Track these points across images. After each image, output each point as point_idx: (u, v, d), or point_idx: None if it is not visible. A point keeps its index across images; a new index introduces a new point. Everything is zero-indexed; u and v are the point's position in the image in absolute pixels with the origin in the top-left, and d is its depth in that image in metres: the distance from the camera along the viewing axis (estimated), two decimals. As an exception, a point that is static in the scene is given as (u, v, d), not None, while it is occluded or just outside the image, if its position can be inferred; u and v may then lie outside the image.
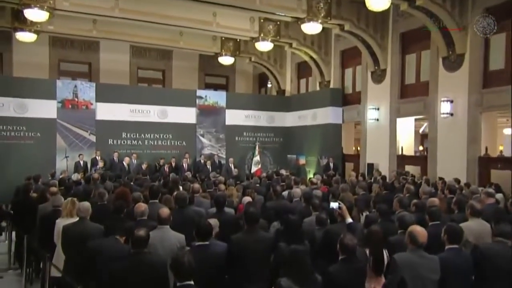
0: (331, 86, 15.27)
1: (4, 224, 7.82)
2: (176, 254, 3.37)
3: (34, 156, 12.76)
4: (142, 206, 5.09)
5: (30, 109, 13.11)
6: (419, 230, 3.87)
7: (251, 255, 4.26)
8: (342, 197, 5.67)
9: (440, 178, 9.56)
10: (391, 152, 12.89)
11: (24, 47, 14.86)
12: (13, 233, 7.69)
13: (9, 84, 13.21)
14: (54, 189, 6.84)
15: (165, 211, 4.68)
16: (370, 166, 13.24)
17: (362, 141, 14.14)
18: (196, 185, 6.95)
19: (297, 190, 7.14)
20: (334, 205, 4.96)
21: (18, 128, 12.98)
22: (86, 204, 5.02)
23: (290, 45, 14.89)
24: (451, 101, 10.96)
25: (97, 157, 13.13)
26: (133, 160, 13.54)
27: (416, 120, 13.39)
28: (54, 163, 13.13)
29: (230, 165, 14.42)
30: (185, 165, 13.83)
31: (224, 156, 15.62)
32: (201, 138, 15.52)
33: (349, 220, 4.66)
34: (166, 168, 13.29)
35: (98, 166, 12.46)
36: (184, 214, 5.51)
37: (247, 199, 6.35)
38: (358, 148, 15.03)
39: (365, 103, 13.84)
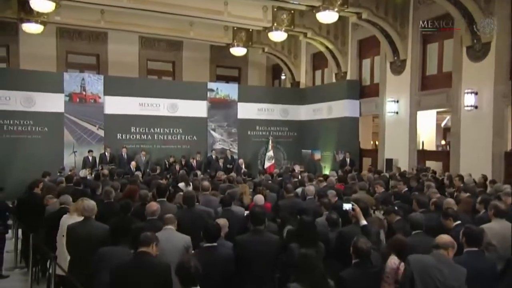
0: (348, 77, 15.13)
1: (10, 221, 7.91)
2: (182, 259, 3.35)
3: (42, 151, 12.96)
4: (154, 206, 5.11)
5: (37, 103, 13.28)
6: (442, 236, 3.80)
7: (256, 257, 4.23)
8: (357, 198, 5.59)
9: (458, 175, 9.34)
10: (411, 147, 12.72)
11: (31, 38, 15.00)
12: (19, 231, 7.82)
13: (16, 77, 13.36)
14: (51, 196, 6.80)
15: (168, 212, 4.69)
16: (389, 161, 13.12)
17: (381, 135, 13.97)
18: (206, 183, 6.93)
19: (311, 188, 7.07)
20: (347, 206, 4.88)
21: (25, 122, 13.15)
22: (91, 203, 5.02)
23: (305, 35, 14.77)
24: (476, 93, 10.72)
25: (106, 154, 13.24)
26: (142, 158, 13.58)
27: (438, 113, 13.21)
28: (62, 158, 13.31)
29: (241, 166, 14.39)
30: (194, 163, 13.83)
31: (236, 151, 15.65)
32: (212, 132, 15.56)
33: (363, 222, 4.60)
34: (177, 167, 13.34)
35: (108, 166, 12.53)
36: (192, 213, 5.51)
37: (259, 197, 6.31)
38: (376, 143, 14.88)
39: (383, 95, 13.66)
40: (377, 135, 14.75)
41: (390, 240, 4.12)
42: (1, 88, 12.87)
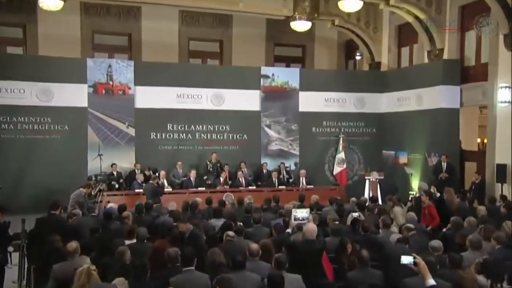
0: (445, 56, 14.51)
1: (11, 249, 7.96)
2: None
3: (61, 154, 13.33)
4: None
5: (56, 96, 13.57)
6: None
7: None
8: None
9: None
10: (532, 149, 11.96)
11: (51, 17, 15.18)
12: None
13: (31, 66, 13.68)
14: (73, 245, 6.47)
15: None
16: (501, 168, 12.40)
17: (490, 132, 13.25)
18: (255, 246, 6.04)
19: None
20: (406, 259, 4.44)
21: (41, 119, 13.46)
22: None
23: (387, 1, 14.19)
24: None
25: (136, 171, 13.17)
26: (178, 170, 13.66)
27: None
28: (86, 162, 13.61)
29: (302, 178, 14.22)
30: (241, 179, 13.75)
31: (298, 153, 15.57)
32: (267, 130, 15.52)
33: (431, 281, 4.27)
34: (221, 180, 13.37)
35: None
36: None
37: (311, 228, 5.95)
38: (484, 142, 14.28)
39: (494, 79, 12.88)
40: (485, 132, 14.13)
41: None
42: (14, 78, 13.21)
